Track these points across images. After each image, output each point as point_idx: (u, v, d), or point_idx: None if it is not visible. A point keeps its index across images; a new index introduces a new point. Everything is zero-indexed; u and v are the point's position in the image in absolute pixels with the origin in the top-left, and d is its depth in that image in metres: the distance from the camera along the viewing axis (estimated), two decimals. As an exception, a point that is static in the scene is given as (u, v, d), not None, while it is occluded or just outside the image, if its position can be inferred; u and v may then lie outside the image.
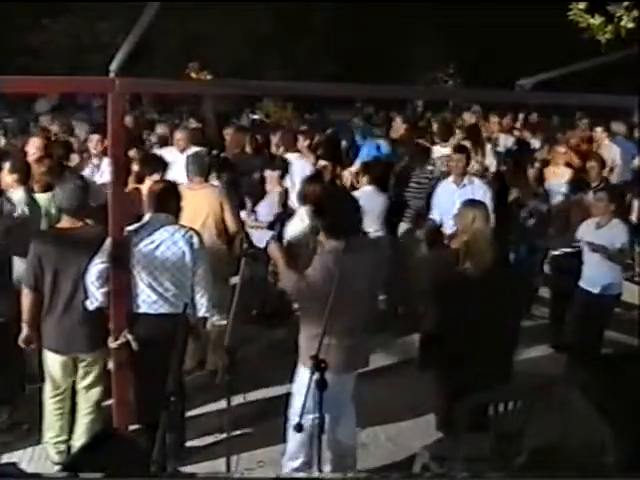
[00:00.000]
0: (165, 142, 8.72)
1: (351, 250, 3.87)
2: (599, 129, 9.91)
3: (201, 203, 5.68)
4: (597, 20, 13.22)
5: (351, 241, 3.92)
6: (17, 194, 5.24)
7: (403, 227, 7.22)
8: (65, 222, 4.50)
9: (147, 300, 4.47)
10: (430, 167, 7.52)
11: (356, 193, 6.32)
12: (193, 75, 14.16)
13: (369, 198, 6.32)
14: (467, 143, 8.38)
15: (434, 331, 4.70)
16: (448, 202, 6.49)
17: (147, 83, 5.15)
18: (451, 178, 6.94)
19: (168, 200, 4.66)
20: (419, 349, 5.40)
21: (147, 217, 4.61)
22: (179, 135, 7.70)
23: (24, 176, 5.35)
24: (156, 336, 4.29)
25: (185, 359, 5.30)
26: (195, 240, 4.56)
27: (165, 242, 4.47)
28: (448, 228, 6.44)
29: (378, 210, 6.60)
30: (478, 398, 4.02)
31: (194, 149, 7.16)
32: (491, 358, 4.31)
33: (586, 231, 5.93)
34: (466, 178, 6.84)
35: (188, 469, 4.53)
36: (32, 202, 5.28)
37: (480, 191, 6.64)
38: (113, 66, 3.93)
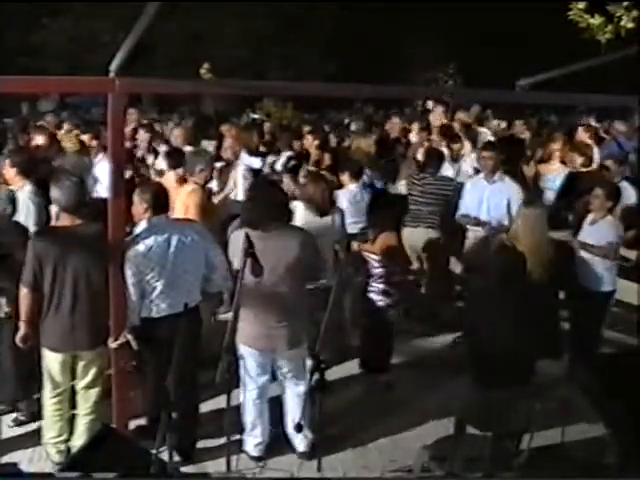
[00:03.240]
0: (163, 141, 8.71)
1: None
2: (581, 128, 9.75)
3: (177, 200, 5.73)
4: (597, 20, 13.27)
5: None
6: (24, 189, 5.28)
7: (430, 233, 7.03)
8: (64, 220, 4.47)
9: (161, 304, 4.47)
10: (451, 176, 7.51)
11: (342, 191, 6.51)
12: (208, 76, 14.21)
13: (356, 195, 6.59)
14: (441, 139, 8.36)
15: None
16: (478, 198, 6.52)
17: (147, 83, 5.15)
18: (482, 175, 6.80)
19: (167, 199, 4.67)
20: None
21: (150, 220, 4.55)
22: (177, 132, 7.66)
23: (28, 170, 5.40)
24: (170, 336, 4.25)
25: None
26: (199, 233, 4.62)
27: (170, 240, 4.47)
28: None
29: (363, 205, 6.65)
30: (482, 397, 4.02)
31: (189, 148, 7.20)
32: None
33: (582, 227, 5.94)
34: (497, 175, 6.66)
35: (188, 469, 4.53)
36: (37, 197, 5.30)
37: (511, 189, 6.42)
38: (113, 66, 3.93)
